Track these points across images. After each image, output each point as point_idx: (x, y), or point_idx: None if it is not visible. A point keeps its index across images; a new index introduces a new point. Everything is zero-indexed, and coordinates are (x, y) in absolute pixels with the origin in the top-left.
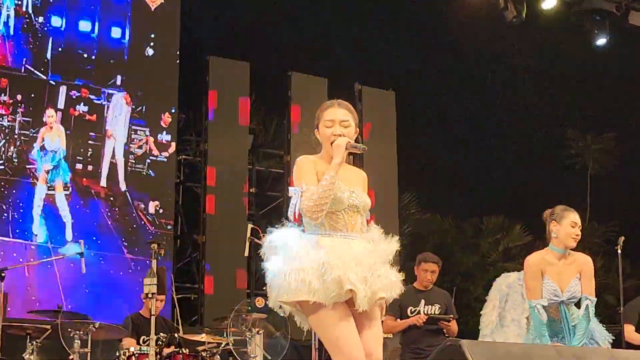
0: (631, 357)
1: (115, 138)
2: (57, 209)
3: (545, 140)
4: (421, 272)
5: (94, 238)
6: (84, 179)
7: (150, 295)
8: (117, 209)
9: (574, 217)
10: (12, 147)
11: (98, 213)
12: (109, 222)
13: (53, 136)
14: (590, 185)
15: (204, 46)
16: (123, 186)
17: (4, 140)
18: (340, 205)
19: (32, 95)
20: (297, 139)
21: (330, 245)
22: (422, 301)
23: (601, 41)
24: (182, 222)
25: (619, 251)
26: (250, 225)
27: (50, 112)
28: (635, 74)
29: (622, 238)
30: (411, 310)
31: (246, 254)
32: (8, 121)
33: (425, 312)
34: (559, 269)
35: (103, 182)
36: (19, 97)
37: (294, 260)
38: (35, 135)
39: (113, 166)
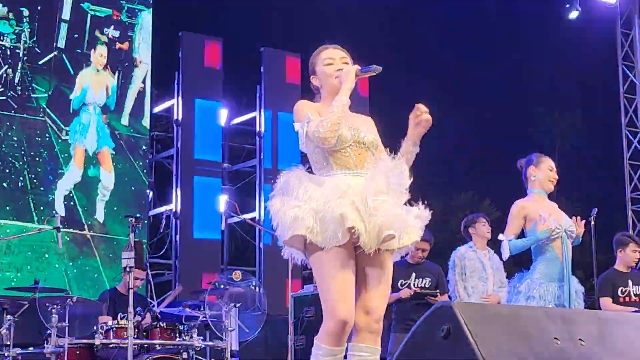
0: (615, 317)
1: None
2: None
3: (514, 117)
4: (412, 249)
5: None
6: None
7: (128, 269)
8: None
9: (550, 162)
10: (14, 72)
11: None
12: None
13: (97, 83)
14: (558, 161)
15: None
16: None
17: (6, 66)
18: (344, 143)
19: (39, 8)
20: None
21: (334, 183)
22: (413, 274)
23: (573, 14)
24: (155, 197)
25: (592, 222)
26: (225, 199)
27: (102, 49)
28: (601, 53)
29: (596, 209)
30: (401, 283)
31: (223, 227)
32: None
33: (416, 285)
34: (549, 209)
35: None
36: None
37: (292, 198)
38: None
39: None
